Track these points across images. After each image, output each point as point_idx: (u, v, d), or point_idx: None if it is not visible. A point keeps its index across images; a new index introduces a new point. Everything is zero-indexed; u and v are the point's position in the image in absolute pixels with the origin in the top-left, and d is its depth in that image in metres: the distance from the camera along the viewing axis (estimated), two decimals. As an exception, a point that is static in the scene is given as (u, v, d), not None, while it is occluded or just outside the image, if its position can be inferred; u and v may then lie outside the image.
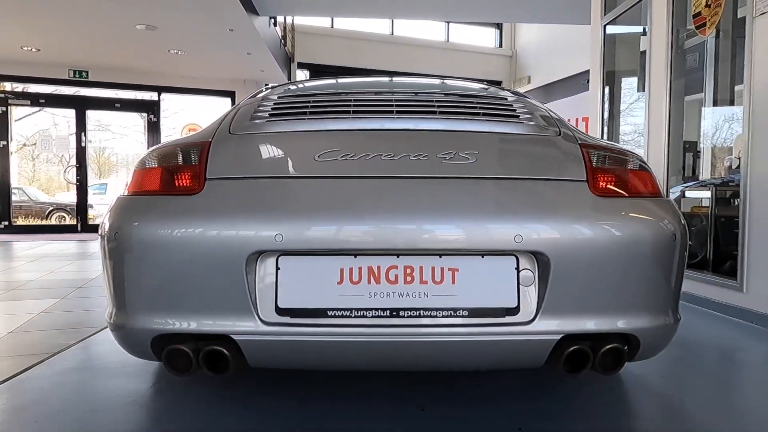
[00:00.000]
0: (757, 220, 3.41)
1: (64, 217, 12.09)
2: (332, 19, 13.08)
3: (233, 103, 11.68)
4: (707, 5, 3.90)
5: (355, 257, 1.50)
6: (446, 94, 2.15)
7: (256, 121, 1.81)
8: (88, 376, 2.42)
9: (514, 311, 1.53)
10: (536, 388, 2.19)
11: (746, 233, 3.48)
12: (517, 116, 1.92)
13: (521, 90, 13.53)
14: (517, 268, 1.53)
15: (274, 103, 1.98)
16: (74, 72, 10.38)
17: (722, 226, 4.18)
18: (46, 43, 8.74)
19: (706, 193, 4.52)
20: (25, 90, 10.61)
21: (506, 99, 2.13)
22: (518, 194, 1.59)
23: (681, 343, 3.02)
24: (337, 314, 1.50)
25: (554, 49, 12.59)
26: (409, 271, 1.51)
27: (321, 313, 1.50)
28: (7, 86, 10.42)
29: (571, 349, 1.53)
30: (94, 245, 8.09)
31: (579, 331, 1.54)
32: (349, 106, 1.92)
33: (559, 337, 1.53)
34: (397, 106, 1.91)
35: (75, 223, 10.89)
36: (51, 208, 12.42)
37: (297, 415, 1.89)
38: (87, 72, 10.47)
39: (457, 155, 1.61)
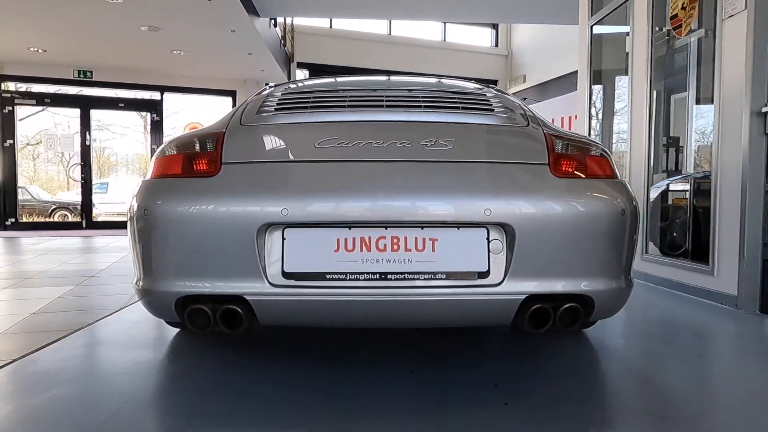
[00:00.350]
0: (725, 211, 3.67)
1: (67, 215, 12.30)
2: (331, 20, 13.32)
3: (234, 102, 12.05)
4: (683, 8, 4.15)
5: (350, 229, 1.77)
6: (432, 91, 2.42)
7: (263, 114, 2.09)
8: (109, 347, 2.70)
9: (485, 275, 1.79)
10: (515, 355, 2.47)
11: (716, 222, 3.74)
12: (492, 110, 2.20)
13: (516, 89, 13.82)
14: (488, 238, 1.79)
15: (279, 99, 2.25)
16: (79, 72, 10.61)
17: (702, 217, 4.42)
18: (52, 44, 8.99)
19: (687, 186, 4.76)
20: (29, 89, 10.85)
21: (485, 95, 2.40)
22: (488, 175, 1.85)
23: (655, 321, 3.31)
24: (334, 277, 1.76)
25: (548, 49, 12.86)
26: (395, 240, 1.77)
27: (320, 276, 1.76)
28: (11, 86, 10.62)
29: (534, 307, 1.79)
30: (101, 241, 8.34)
31: (541, 292, 1.80)
32: (345, 100, 2.20)
33: (523, 297, 1.79)
34: (387, 100, 2.19)
35: (80, 220, 11.13)
36: (54, 207, 12.63)
37: (298, 377, 2.14)
38: (91, 72, 10.71)
39: (437, 142, 1.87)
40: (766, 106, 3.40)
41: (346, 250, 1.76)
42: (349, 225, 1.76)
